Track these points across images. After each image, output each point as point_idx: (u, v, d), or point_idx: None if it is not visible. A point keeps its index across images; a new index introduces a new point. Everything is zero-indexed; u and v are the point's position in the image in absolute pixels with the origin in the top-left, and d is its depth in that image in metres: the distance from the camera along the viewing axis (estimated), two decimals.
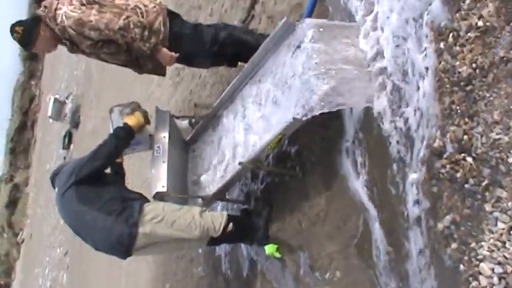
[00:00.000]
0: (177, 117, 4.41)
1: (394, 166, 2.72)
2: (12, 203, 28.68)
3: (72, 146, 16.49)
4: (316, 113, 2.85)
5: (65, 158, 16.68)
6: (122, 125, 3.80)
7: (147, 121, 3.92)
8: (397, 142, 2.71)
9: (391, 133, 2.76)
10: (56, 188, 3.71)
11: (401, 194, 2.65)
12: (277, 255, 3.64)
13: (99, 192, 3.59)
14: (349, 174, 3.07)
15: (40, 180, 25.11)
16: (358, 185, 2.99)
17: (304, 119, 2.90)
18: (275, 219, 3.77)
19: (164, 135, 3.98)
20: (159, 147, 3.94)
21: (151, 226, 3.53)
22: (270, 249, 3.70)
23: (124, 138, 3.76)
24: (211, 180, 4.04)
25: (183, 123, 4.46)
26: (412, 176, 2.56)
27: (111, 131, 3.85)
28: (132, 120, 3.81)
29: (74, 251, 12.23)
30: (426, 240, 2.45)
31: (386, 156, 2.78)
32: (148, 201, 3.78)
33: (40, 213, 22.70)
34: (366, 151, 2.97)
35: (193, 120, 4.40)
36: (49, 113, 17.22)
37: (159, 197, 3.81)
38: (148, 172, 4.06)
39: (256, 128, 3.50)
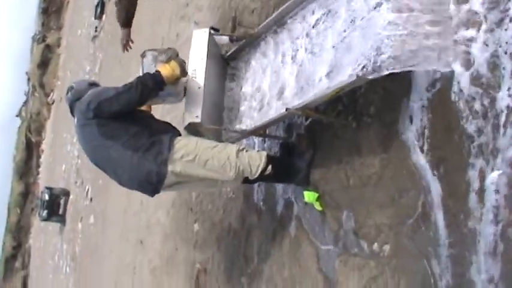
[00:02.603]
0: (216, 31, 3.91)
1: (469, 150, 2.28)
2: (44, 64, 28.69)
3: (104, 17, 15.96)
4: (386, 72, 2.38)
5: (96, 27, 16.25)
6: (153, 72, 3.35)
7: (183, 73, 3.41)
8: (477, 127, 2.26)
9: (470, 113, 2.30)
10: (76, 117, 3.35)
11: (475, 187, 2.24)
12: (318, 207, 3.31)
13: (123, 126, 3.24)
14: (412, 141, 2.63)
15: (71, 43, 24.93)
16: (421, 158, 2.57)
17: (370, 77, 2.44)
18: (318, 164, 3.40)
19: (202, 57, 3.54)
20: (195, 70, 3.51)
21: (181, 165, 3.22)
22: (309, 196, 3.37)
23: (151, 88, 3.29)
24: (250, 112, 3.63)
25: (223, 38, 3.97)
26: (493, 175, 2.14)
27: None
28: (166, 70, 3.32)
29: None
30: (500, 258, 2.09)
31: (460, 137, 2.34)
32: (179, 133, 3.43)
33: (70, 76, 22.74)
34: (435, 122, 2.51)
35: (235, 37, 3.91)
36: None
37: (192, 128, 3.44)
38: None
39: (309, 68, 3.03)
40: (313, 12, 3.06)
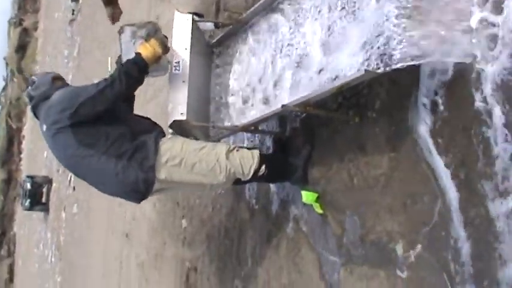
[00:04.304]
0: (200, 16, 3.57)
1: (492, 152, 2.00)
2: (22, 48, 28.04)
3: (81, 0, 15.42)
4: (397, 66, 2.08)
5: (73, 10, 15.73)
6: (133, 53, 3.00)
7: (165, 50, 3.07)
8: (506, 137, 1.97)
9: (494, 118, 2.01)
10: (43, 125, 3.00)
11: (501, 193, 1.96)
12: (318, 209, 3.03)
13: (102, 131, 2.91)
14: (425, 140, 2.34)
15: (48, 27, 24.33)
16: (436, 160, 2.28)
17: (379, 72, 2.14)
18: (317, 162, 3.11)
19: (185, 47, 3.21)
20: (178, 62, 3.19)
21: (166, 170, 2.92)
22: (308, 197, 3.09)
23: (136, 77, 2.96)
24: (240, 105, 3.32)
25: (207, 24, 3.65)
26: None
27: (121, 56, 3.09)
28: (146, 50, 2.98)
29: None
30: None
31: (483, 137, 2.05)
32: (162, 131, 3.11)
33: (48, 61, 22.25)
34: (452, 119, 2.21)
35: (220, 23, 3.59)
36: None
37: (177, 125, 3.14)
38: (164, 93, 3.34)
39: (306, 59, 2.72)
40: None
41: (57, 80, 3.17)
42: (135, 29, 3.16)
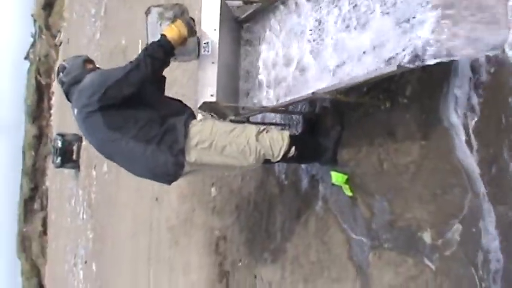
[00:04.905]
0: None
1: None
2: (49, 5, 28.03)
3: None
4: (431, 62, 2.06)
5: None
6: (159, 35, 3.00)
7: (191, 33, 3.06)
8: None
9: None
10: (75, 108, 3.04)
11: None
12: (347, 191, 3.04)
13: (131, 114, 2.94)
14: (457, 132, 2.34)
15: None
16: (468, 154, 2.27)
17: (411, 67, 2.12)
18: (346, 143, 3.11)
19: (214, 28, 3.20)
20: (207, 43, 3.18)
21: (196, 153, 2.95)
22: (337, 178, 3.10)
23: (162, 59, 2.96)
24: (269, 84, 3.31)
25: (236, 2, 3.61)
26: None
27: (147, 38, 3.09)
28: (172, 32, 2.98)
29: None
30: None
31: None
32: (193, 115, 3.13)
33: (76, 18, 22.16)
34: (486, 113, 2.20)
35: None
36: None
37: (207, 106, 3.15)
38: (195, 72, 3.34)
39: (339, 43, 2.69)
40: None
41: (88, 63, 3.19)
42: (162, 10, 3.16)
